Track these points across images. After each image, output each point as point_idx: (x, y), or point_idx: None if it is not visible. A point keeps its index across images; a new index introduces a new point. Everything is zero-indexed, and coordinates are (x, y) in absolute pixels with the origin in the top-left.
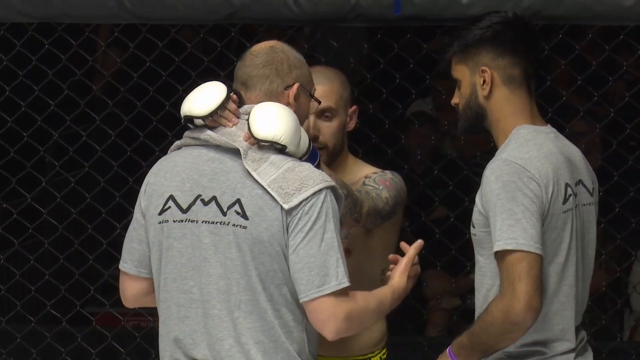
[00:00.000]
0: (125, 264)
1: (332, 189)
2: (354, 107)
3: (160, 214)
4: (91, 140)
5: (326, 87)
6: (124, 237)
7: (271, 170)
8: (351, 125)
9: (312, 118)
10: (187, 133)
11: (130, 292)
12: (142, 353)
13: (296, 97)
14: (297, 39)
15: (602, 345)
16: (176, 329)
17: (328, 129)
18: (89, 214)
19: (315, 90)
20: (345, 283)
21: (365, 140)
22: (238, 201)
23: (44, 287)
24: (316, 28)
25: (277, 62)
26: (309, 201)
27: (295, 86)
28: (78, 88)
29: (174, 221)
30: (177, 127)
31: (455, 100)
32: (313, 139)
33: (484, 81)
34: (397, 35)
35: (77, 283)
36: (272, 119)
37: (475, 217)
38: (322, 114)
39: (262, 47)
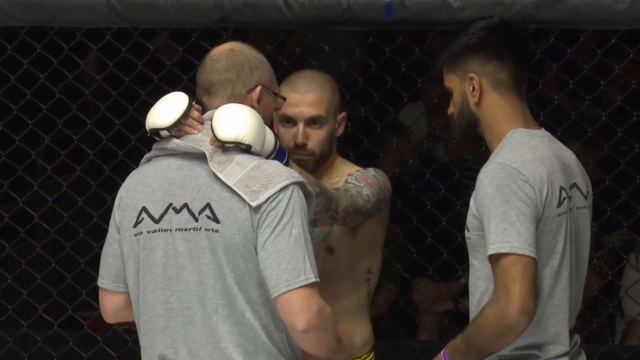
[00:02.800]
0: (103, 280)
1: (299, 184)
2: (343, 113)
3: (134, 226)
4: (83, 144)
5: (317, 94)
6: None
7: (237, 171)
8: (340, 131)
9: (301, 125)
10: (155, 145)
11: (109, 306)
12: (134, 357)
13: (259, 100)
14: (288, 43)
15: (593, 349)
16: (158, 340)
17: (316, 137)
18: (81, 218)
19: (279, 89)
20: (313, 279)
21: (357, 144)
22: (208, 205)
23: (36, 291)
24: (308, 32)
25: (238, 65)
26: (276, 197)
27: (258, 89)
28: (70, 91)
29: (147, 232)
30: None
31: (450, 110)
32: (301, 145)
33: (473, 88)
34: (389, 39)
35: (68, 287)
36: (234, 120)
37: (470, 220)
38: (312, 122)
39: (221, 51)
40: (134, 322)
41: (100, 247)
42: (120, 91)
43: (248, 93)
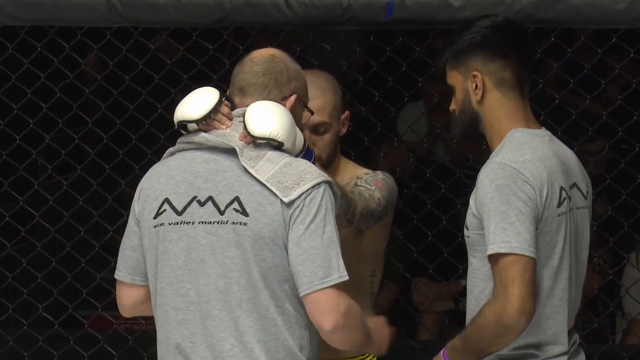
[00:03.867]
0: (120, 272)
1: (329, 184)
2: (346, 112)
3: (155, 217)
4: (83, 143)
5: (320, 100)
6: (116, 240)
7: (268, 167)
8: (343, 130)
9: (306, 132)
10: (180, 139)
11: (127, 300)
12: (135, 356)
13: (292, 109)
14: (288, 42)
15: (594, 349)
16: (175, 332)
17: (322, 142)
18: (81, 217)
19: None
20: (345, 277)
21: (358, 144)
22: (237, 199)
23: (36, 290)
24: (308, 31)
25: (277, 72)
26: (309, 194)
27: (293, 98)
28: (70, 91)
29: (169, 224)
30: (169, 131)
31: (452, 107)
32: None
33: (476, 86)
34: (389, 38)
35: (69, 286)
36: (268, 117)
37: (469, 219)
38: (317, 128)
39: (262, 55)
40: (139, 317)
41: (101, 247)
42: (120, 90)
43: (282, 100)
